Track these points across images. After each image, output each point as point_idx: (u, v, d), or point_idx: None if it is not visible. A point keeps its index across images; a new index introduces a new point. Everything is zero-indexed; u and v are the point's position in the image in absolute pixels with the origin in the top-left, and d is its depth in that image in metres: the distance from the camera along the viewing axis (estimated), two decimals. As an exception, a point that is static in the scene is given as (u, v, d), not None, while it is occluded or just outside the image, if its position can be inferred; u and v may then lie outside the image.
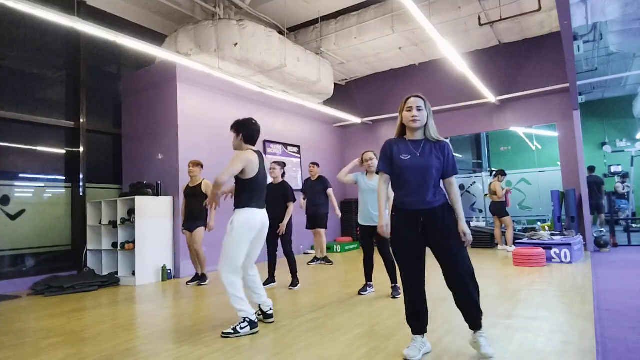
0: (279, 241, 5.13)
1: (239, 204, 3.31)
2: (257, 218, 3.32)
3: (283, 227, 5.02)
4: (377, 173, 4.31)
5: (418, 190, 2.53)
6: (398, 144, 2.64)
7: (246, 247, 3.27)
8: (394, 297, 4.24)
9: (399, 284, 4.40)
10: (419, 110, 2.55)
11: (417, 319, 2.60)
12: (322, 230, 6.93)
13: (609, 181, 12.21)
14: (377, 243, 4.31)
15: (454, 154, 2.69)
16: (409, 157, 2.56)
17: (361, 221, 4.42)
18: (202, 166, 5.68)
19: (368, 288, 4.51)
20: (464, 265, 2.49)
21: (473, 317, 2.53)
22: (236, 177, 3.31)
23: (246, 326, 3.12)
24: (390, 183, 2.70)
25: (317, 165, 7.06)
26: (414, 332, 2.61)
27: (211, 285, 5.41)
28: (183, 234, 5.82)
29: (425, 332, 2.62)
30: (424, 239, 2.55)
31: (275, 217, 5.07)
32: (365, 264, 4.48)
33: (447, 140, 2.63)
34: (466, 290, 2.49)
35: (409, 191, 2.56)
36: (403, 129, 2.67)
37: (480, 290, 2.55)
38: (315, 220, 6.86)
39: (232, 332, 3.10)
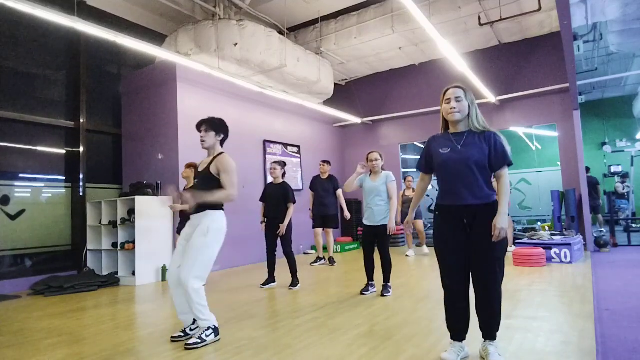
0: (279, 241, 5.12)
1: (215, 205, 3.12)
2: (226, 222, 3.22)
3: (283, 228, 5.01)
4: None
5: (457, 186, 2.37)
6: (439, 138, 2.50)
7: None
8: (382, 295, 4.30)
9: (391, 283, 4.45)
10: (457, 101, 2.40)
11: (457, 325, 2.47)
12: (331, 230, 6.94)
13: (609, 181, 12.22)
14: (378, 242, 4.36)
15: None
16: (448, 150, 2.41)
17: (365, 221, 4.45)
18: (195, 167, 5.51)
19: (370, 288, 4.52)
20: (494, 274, 2.34)
21: (489, 327, 2.42)
22: (212, 179, 3.12)
23: (211, 333, 3.00)
24: (424, 182, 2.58)
25: (329, 163, 7.01)
26: (453, 338, 2.49)
27: (211, 285, 5.40)
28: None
29: (464, 338, 2.49)
30: (466, 238, 2.39)
31: (275, 217, 5.07)
32: (366, 263, 4.50)
33: (495, 130, 2.44)
34: (490, 300, 2.36)
35: (449, 187, 2.42)
36: (447, 123, 2.51)
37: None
38: (325, 220, 6.83)
39: (199, 341, 2.91)
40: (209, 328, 3.01)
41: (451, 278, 2.44)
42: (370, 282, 4.54)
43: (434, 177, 2.67)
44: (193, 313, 3.02)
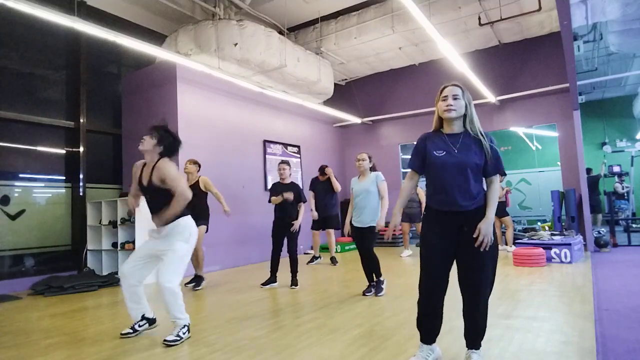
0: (285, 240, 5.13)
1: (182, 213, 3.20)
2: None
3: (297, 223, 5.05)
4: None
5: (452, 191, 2.27)
6: (433, 138, 2.40)
7: None
8: (376, 295, 4.32)
9: (383, 280, 4.43)
10: (455, 98, 2.31)
11: (428, 327, 2.40)
12: (332, 230, 6.96)
13: (609, 181, 12.22)
14: (362, 241, 4.35)
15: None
16: (444, 153, 2.31)
17: (354, 222, 4.44)
18: (199, 165, 5.50)
19: (372, 288, 4.49)
20: (485, 281, 2.28)
21: (475, 335, 2.35)
22: (159, 188, 3.16)
23: (186, 331, 3.14)
24: (414, 181, 2.50)
25: (328, 168, 7.01)
26: (422, 340, 2.42)
27: (211, 285, 5.40)
28: None
29: (434, 341, 2.43)
30: (454, 244, 2.32)
31: (287, 216, 5.08)
32: (363, 265, 4.49)
33: (488, 134, 2.37)
34: (478, 307, 2.29)
35: (441, 191, 2.31)
36: (441, 122, 2.43)
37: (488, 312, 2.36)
38: (326, 221, 6.87)
39: (178, 338, 3.04)
40: (184, 326, 3.13)
41: (431, 281, 2.34)
42: (372, 283, 4.52)
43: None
44: (171, 313, 3.11)
